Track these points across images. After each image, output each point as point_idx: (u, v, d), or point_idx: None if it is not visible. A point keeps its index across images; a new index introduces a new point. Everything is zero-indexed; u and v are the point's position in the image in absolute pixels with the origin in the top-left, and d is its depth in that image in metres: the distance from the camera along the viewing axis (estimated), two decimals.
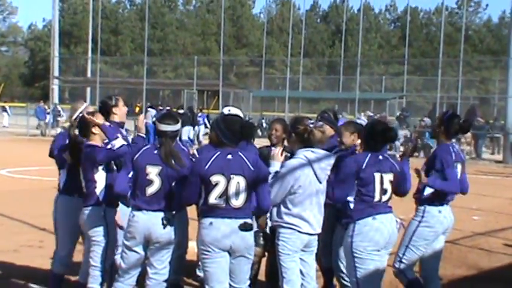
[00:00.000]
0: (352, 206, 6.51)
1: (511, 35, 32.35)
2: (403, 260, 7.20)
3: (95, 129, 6.80)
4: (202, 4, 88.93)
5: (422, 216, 7.14)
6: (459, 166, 7.26)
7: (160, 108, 32.36)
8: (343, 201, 6.55)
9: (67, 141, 7.27)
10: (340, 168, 6.60)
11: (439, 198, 7.13)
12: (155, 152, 6.40)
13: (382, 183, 6.51)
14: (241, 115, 7.54)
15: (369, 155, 6.54)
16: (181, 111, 30.96)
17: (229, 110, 7.73)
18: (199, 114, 35.03)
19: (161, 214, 6.34)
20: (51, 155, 7.51)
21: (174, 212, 6.46)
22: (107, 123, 7.05)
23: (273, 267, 6.96)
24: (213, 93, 52.10)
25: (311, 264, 6.70)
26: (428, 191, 7.13)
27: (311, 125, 6.58)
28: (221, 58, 43.15)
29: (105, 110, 7.59)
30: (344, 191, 6.53)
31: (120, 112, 7.67)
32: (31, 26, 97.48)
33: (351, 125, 7.61)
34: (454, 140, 7.47)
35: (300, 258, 6.56)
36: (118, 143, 6.62)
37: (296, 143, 6.65)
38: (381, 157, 6.58)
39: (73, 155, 7.04)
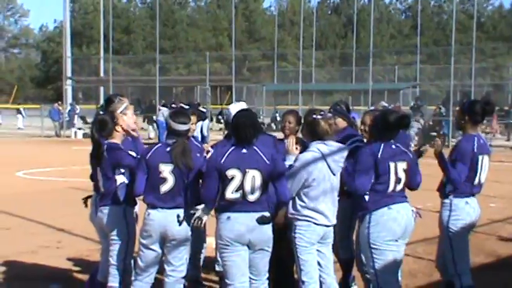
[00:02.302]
0: (367, 197, 6.47)
1: None
2: (456, 260, 7.08)
3: (118, 128, 6.82)
4: (213, 0, 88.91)
5: (450, 210, 7.04)
6: (486, 158, 7.14)
7: (174, 106, 32.33)
8: (365, 191, 6.50)
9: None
10: (358, 159, 6.56)
11: (464, 190, 7.03)
12: (167, 150, 6.41)
13: (396, 172, 6.47)
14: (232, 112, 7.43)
15: (383, 144, 6.49)
16: (186, 107, 30.85)
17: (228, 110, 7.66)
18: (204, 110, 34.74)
19: (176, 211, 6.35)
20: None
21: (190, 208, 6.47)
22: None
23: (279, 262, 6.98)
24: (226, 89, 52.08)
25: (328, 256, 6.69)
26: (451, 185, 7.06)
27: (319, 116, 6.55)
28: (233, 53, 43.08)
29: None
30: (365, 181, 6.45)
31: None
32: (42, 27, 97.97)
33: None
34: (479, 131, 7.32)
35: (317, 250, 6.56)
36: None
37: (307, 135, 6.67)
38: (394, 146, 6.53)
39: (98, 158, 7.00)
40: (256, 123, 6.37)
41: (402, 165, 6.52)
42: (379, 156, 6.42)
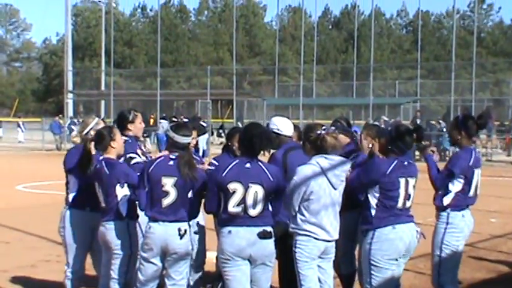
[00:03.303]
0: (373, 212, 6.47)
1: None
2: (441, 272, 7.14)
3: (113, 143, 6.82)
4: (214, 14, 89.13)
5: (447, 223, 7.10)
6: (479, 171, 7.25)
7: (175, 119, 32.26)
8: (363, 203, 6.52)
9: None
10: (364, 172, 6.59)
11: (461, 203, 7.12)
12: (170, 163, 6.41)
13: (407, 188, 6.50)
14: (280, 125, 7.48)
15: (396, 160, 6.50)
16: (185, 120, 30.85)
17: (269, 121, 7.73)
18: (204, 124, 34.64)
19: (178, 225, 6.35)
20: (66, 169, 7.49)
21: (190, 222, 6.48)
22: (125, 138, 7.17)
23: (287, 276, 6.96)
24: (227, 103, 52.19)
25: (329, 271, 6.67)
26: (449, 197, 7.09)
27: (323, 131, 6.56)
28: (234, 67, 43.18)
29: (121, 123, 7.64)
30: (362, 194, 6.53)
31: (135, 129, 7.69)
32: (45, 40, 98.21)
33: (373, 129, 7.50)
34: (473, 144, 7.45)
35: (318, 266, 6.54)
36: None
37: (310, 151, 6.65)
38: (406, 163, 6.56)
39: (83, 168, 7.04)
40: (269, 134, 6.41)
41: (412, 182, 6.56)
42: (388, 170, 6.43)
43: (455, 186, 7.13)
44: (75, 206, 7.30)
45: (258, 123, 6.67)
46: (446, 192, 7.12)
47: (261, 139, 6.24)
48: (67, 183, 7.42)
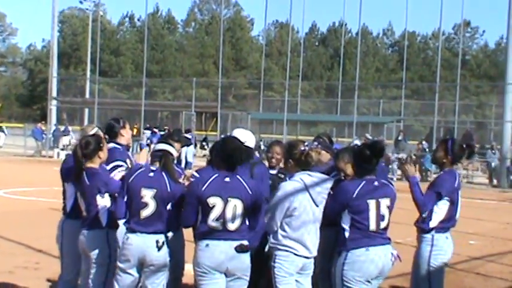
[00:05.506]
0: (347, 234, 6.41)
1: (508, 60, 32.42)
2: None
3: (101, 153, 6.82)
4: (201, 26, 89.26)
5: (432, 245, 7.09)
6: (459, 193, 7.28)
7: (158, 130, 32.27)
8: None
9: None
10: (333, 195, 6.58)
11: (446, 225, 7.14)
12: (150, 174, 6.42)
13: (378, 209, 6.40)
14: (245, 138, 7.40)
15: (363, 182, 6.42)
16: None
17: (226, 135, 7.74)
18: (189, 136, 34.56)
19: (156, 236, 6.34)
20: (62, 177, 7.38)
21: (169, 234, 6.47)
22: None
23: None
24: (211, 115, 52.25)
25: (307, 286, 6.68)
26: (435, 219, 7.10)
27: (306, 147, 6.58)
28: (219, 80, 43.22)
29: (113, 132, 7.62)
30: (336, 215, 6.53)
31: (127, 134, 7.71)
32: (30, 46, 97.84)
33: (346, 154, 7.23)
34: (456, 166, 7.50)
35: (296, 281, 6.55)
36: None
37: (294, 168, 6.66)
38: (376, 183, 6.46)
39: (76, 176, 7.00)
40: (248, 147, 6.42)
41: (385, 202, 6.46)
42: (355, 193, 6.36)
43: (441, 208, 7.12)
44: (71, 216, 7.15)
45: (234, 137, 6.69)
46: (431, 214, 7.10)
47: (241, 152, 6.26)
48: (64, 192, 7.32)
